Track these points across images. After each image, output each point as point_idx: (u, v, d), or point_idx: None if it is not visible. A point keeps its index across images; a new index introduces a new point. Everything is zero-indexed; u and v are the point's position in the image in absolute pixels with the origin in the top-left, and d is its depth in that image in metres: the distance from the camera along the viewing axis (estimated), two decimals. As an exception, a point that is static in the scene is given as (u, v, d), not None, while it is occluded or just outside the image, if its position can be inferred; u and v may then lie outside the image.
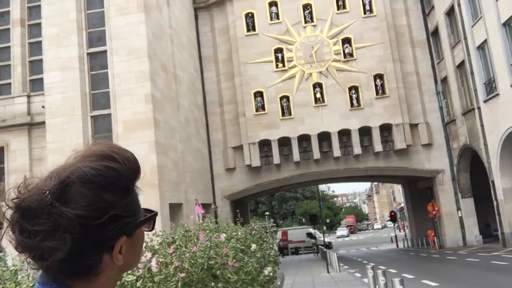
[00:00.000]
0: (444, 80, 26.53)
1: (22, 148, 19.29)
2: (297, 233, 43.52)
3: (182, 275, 2.56)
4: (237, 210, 9.03)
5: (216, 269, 2.99)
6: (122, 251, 0.89)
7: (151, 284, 2.39)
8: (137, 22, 18.92)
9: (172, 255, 2.74)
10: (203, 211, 4.17)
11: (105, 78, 18.96)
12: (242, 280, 3.72)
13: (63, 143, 17.66)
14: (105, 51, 19.08)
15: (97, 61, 19.26)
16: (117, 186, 0.89)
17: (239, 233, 4.94)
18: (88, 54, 19.31)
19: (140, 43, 18.77)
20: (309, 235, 42.11)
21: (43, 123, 18.72)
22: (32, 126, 19.46)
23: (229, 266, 3.28)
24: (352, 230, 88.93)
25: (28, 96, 20.02)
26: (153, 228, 0.98)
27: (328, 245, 40.04)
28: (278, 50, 27.51)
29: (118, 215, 0.88)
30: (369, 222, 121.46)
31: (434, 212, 26.74)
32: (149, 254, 2.57)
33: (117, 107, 18.45)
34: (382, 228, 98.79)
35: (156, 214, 0.98)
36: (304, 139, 26.77)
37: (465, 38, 22.98)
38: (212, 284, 2.91)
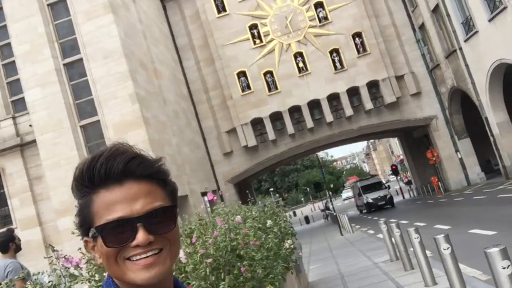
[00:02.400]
0: (422, 27, 26.46)
1: (18, 170, 19.17)
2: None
3: (209, 260, 2.60)
4: (247, 191, 9.11)
5: (240, 250, 3.05)
6: (95, 251, 0.93)
7: (183, 275, 2.44)
8: (106, 24, 18.60)
9: (196, 244, 2.78)
10: (215, 197, 4.21)
11: (86, 85, 18.74)
12: (266, 257, 3.78)
13: (58, 157, 17.57)
14: (80, 59, 18.81)
15: (74, 70, 19.01)
16: (73, 190, 0.95)
17: (253, 213, 5.00)
18: (64, 65, 19.02)
19: (114, 45, 18.50)
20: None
21: (34, 141, 18.57)
22: (24, 146, 19.30)
23: (251, 245, 3.33)
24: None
25: (13, 118, 19.78)
26: (112, 246, 0.88)
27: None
28: (253, 27, 27.24)
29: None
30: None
31: (434, 158, 27.04)
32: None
33: (104, 112, 18.30)
34: (386, 182, 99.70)
35: (98, 228, 0.89)
36: (295, 111, 26.77)
37: (436, -20, 22.84)
38: (239, 264, 2.96)
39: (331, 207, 35.01)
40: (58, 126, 18.26)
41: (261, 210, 5.63)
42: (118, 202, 0.89)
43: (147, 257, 0.88)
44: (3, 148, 19.18)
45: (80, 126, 18.70)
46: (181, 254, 2.49)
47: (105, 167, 0.91)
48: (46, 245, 16.94)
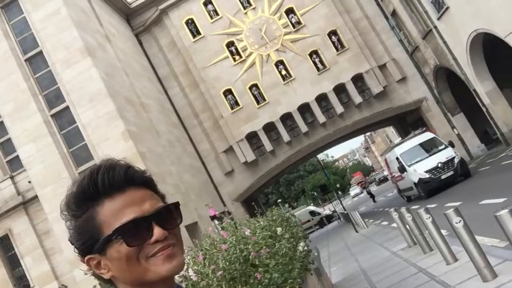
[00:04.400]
0: (394, 13, 26.73)
1: (25, 229, 19.06)
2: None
3: (219, 273, 2.60)
4: (253, 203, 9.10)
5: (253, 259, 3.04)
6: (101, 266, 0.96)
7: (199, 293, 2.44)
8: (86, 68, 18.73)
9: (204, 260, 2.78)
10: (217, 212, 4.22)
11: (77, 132, 18.78)
12: (280, 263, 3.77)
13: (62, 208, 17.49)
14: (67, 107, 18.89)
15: (63, 119, 19.07)
16: (66, 213, 0.99)
17: (261, 223, 4.99)
18: (52, 116, 19.09)
19: (97, 87, 18.60)
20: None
21: (36, 197, 18.52)
22: (27, 203, 19.23)
23: (264, 253, 3.32)
24: (364, 185, 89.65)
25: (11, 177, 19.75)
26: (134, 244, 0.92)
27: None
28: (230, 44, 27.45)
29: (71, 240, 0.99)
30: (376, 172, 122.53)
31: (432, 139, 27.01)
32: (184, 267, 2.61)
33: (99, 155, 18.30)
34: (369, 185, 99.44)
35: (118, 230, 0.92)
36: (286, 118, 26.84)
37: (399, -34, 23.17)
38: (255, 274, 2.95)
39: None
40: (57, 178, 18.23)
41: (270, 219, 5.62)
42: (126, 207, 0.94)
43: (167, 249, 0.94)
44: (7, 210, 19.10)
45: (79, 173, 18.66)
46: (191, 273, 2.49)
47: (107, 177, 0.96)
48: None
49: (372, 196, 39.70)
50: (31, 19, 19.45)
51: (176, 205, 1.02)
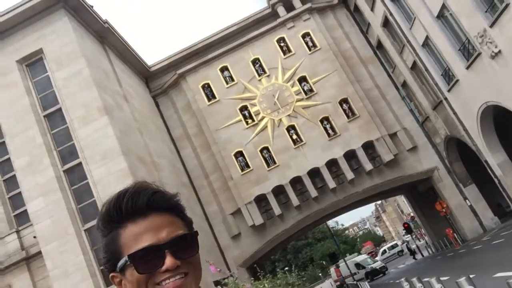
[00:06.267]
0: (404, 84, 27.40)
1: (25, 285, 18.64)
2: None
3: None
4: (254, 265, 8.87)
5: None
6: (122, 284, 1.00)
7: None
8: (102, 126, 19.19)
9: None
10: (218, 269, 4.07)
11: (87, 188, 18.88)
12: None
13: (65, 265, 17.19)
14: (80, 163, 19.14)
15: (75, 175, 19.25)
16: (98, 228, 1.05)
17: (266, 285, 4.85)
18: (64, 171, 19.31)
19: (111, 145, 18.94)
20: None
21: (39, 253, 18.28)
22: (30, 259, 18.97)
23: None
24: (374, 255, 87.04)
25: (17, 232, 19.65)
26: (144, 272, 0.96)
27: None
28: (243, 108, 28.12)
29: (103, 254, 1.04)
30: (387, 243, 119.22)
31: (443, 210, 26.60)
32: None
33: (107, 212, 18.24)
34: (403, 243, 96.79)
35: (130, 256, 0.96)
36: (296, 182, 26.77)
37: (408, 41, 24.06)
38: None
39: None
40: (63, 233, 18.09)
41: (275, 284, 5.46)
42: (145, 232, 0.98)
43: (176, 280, 0.96)
44: (9, 264, 18.81)
45: (85, 230, 18.53)
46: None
47: (131, 202, 1.02)
48: None
49: (413, 252, 38.24)
50: (54, 78, 20.30)
51: (194, 234, 1.05)
